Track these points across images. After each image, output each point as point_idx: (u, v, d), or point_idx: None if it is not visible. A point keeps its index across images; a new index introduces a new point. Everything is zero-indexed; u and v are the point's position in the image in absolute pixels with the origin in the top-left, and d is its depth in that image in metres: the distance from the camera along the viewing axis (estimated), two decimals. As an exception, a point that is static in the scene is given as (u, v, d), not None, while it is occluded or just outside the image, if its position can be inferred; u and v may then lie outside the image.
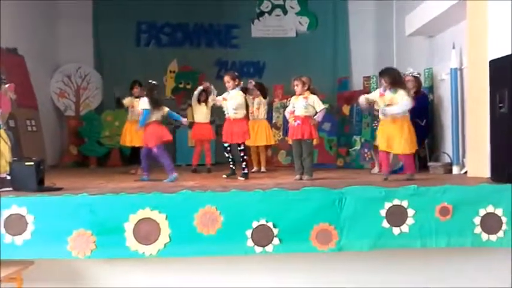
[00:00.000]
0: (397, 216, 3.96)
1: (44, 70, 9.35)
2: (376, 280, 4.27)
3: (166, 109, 5.86)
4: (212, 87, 6.89)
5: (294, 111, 5.74)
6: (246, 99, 6.26)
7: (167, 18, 10.35)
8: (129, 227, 3.80)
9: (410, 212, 3.97)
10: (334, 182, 4.88)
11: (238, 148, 5.84)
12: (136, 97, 6.94)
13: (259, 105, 7.37)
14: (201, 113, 7.43)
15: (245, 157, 5.83)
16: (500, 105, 4.39)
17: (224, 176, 5.87)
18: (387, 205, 3.96)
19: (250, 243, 3.85)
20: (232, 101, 5.87)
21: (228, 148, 5.93)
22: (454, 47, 6.21)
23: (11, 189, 4.43)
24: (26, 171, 4.40)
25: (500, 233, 3.98)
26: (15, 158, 4.89)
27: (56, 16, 9.69)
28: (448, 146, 6.51)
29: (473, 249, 4.11)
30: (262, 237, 3.85)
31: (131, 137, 7.02)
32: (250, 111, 7.13)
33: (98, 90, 9.83)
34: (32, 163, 4.43)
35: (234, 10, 10.26)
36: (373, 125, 7.46)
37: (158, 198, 3.91)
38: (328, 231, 3.89)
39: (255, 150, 7.57)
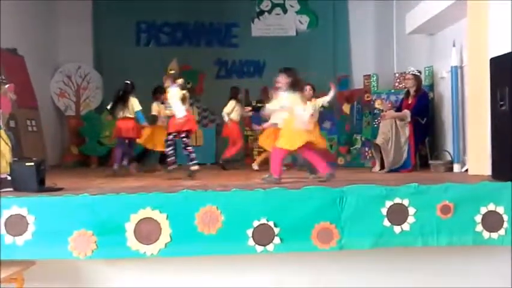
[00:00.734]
0: (398, 214, 3.95)
1: (44, 70, 9.36)
2: (378, 279, 4.27)
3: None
4: None
5: None
6: None
7: (167, 17, 10.36)
8: (130, 226, 3.79)
9: (411, 210, 3.95)
10: (335, 181, 4.87)
11: None
12: (162, 103, 7.04)
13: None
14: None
15: None
16: (501, 102, 4.38)
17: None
18: (388, 203, 3.95)
19: (251, 242, 3.84)
20: None
21: None
22: (454, 45, 6.20)
23: (11, 189, 4.43)
24: (26, 172, 4.39)
25: (502, 231, 3.96)
26: (15, 159, 4.89)
27: (56, 16, 9.70)
28: (448, 144, 6.50)
29: (474, 247, 4.10)
30: (263, 236, 3.84)
31: (155, 140, 7.14)
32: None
33: (98, 90, 9.85)
34: (33, 163, 4.42)
35: (233, 9, 10.27)
36: (374, 123, 7.47)
37: (159, 198, 3.90)
38: (329, 230, 3.89)
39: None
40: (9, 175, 4.57)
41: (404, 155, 6.38)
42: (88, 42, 10.12)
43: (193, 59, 10.16)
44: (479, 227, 3.97)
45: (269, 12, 10.70)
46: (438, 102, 7.04)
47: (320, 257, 4.15)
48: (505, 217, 3.98)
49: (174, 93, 5.96)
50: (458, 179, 4.83)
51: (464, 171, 5.89)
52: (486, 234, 3.97)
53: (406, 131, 6.43)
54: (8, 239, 3.76)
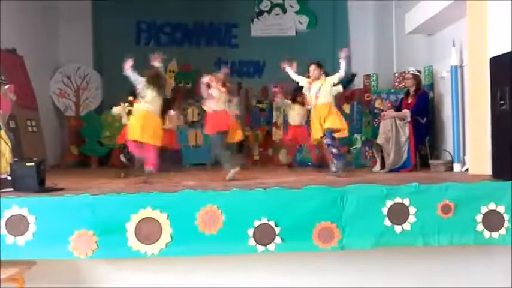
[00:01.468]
0: (399, 214, 3.95)
1: (43, 70, 9.36)
2: (378, 278, 4.27)
3: None
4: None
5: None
6: None
7: (167, 17, 10.36)
8: (130, 226, 3.79)
9: (412, 210, 3.96)
10: (336, 180, 4.87)
11: None
12: None
13: None
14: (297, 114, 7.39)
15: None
16: (501, 102, 4.38)
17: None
18: (389, 203, 3.95)
19: (252, 242, 3.84)
20: None
21: None
22: (454, 45, 6.20)
23: (12, 189, 4.43)
24: (27, 172, 4.39)
25: (503, 230, 3.97)
26: (16, 159, 4.89)
27: (56, 16, 9.70)
28: (449, 144, 6.50)
29: (475, 247, 4.11)
30: (264, 236, 3.84)
31: None
32: None
33: (98, 91, 9.84)
34: (33, 164, 4.42)
35: (233, 9, 10.28)
36: (374, 123, 7.47)
37: (159, 198, 3.90)
38: (330, 229, 3.89)
39: None
40: (9, 175, 4.58)
41: (405, 155, 6.38)
42: (88, 42, 10.12)
43: (193, 59, 10.16)
44: (480, 227, 3.98)
45: (268, 12, 10.71)
46: (438, 102, 7.04)
47: (321, 257, 4.15)
48: (506, 216, 3.98)
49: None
50: (458, 178, 4.83)
51: (464, 170, 5.89)
52: (487, 234, 3.97)
53: (406, 131, 6.42)
54: (9, 239, 3.76)
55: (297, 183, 4.54)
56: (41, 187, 4.34)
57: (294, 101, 7.30)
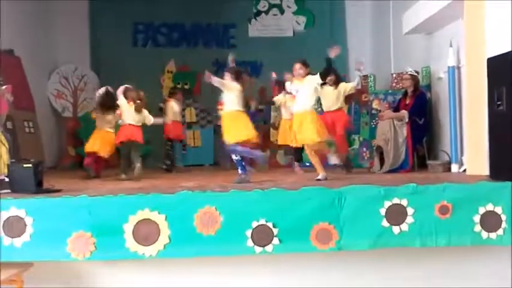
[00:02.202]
0: (396, 215, 3.95)
1: (41, 71, 9.34)
2: (376, 279, 4.27)
3: None
4: None
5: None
6: None
7: (164, 18, 10.35)
8: (128, 228, 3.78)
9: (410, 210, 3.96)
10: (334, 181, 4.88)
11: None
12: None
13: None
14: None
15: None
16: (499, 102, 4.38)
17: None
18: (387, 204, 3.96)
19: (250, 243, 3.84)
20: None
21: None
22: (451, 45, 6.21)
23: (9, 191, 4.41)
24: (24, 173, 4.38)
25: (500, 231, 3.97)
26: (13, 160, 4.88)
27: (53, 17, 9.67)
28: (446, 144, 6.51)
29: (473, 247, 4.11)
30: (262, 237, 3.84)
31: None
32: None
33: (96, 91, 9.81)
34: (31, 165, 4.42)
35: (231, 10, 10.28)
36: (372, 123, 7.47)
37: (157, 199, 3.90)
38: (328, 230, 3.89)
39: None
40: (6, 176, 4.56)
41: (402, 156, 6.39)
42: (85, 43, 10.11)
43: (190, 59, 10.15)
44: (477, 227, 3.98)
45: (266, 12, 10.71)
46: (436, 103, 7.05)
47: (319, 258, 4.16)
48: (504, 217, 3.99)
49: None
50: (456, 179, 4.84)
51: (462, 171, 5.89)
52: (485, 234, 3.98)
53: (404, 132, 6.44)
54: (7, 240, 3.75)
55: (295, 184, 4.54)
56: (39, 188, 4.34)
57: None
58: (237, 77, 5.43)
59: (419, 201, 3.98)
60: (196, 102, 9.98)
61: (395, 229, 3.94)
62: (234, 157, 5.30)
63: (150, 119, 6.70)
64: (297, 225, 3.87)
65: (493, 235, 3.98)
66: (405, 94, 6.88)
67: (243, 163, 5.32)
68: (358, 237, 3.92)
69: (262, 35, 10.58)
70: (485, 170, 4.76)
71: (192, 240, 3.82)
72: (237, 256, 3.98)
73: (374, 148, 6.68)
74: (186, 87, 9.84)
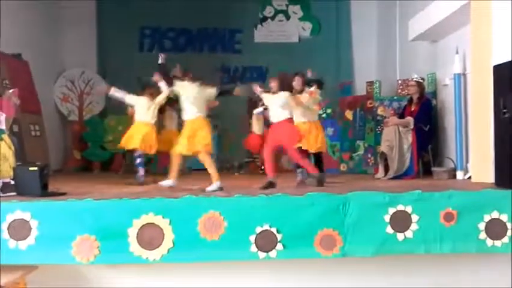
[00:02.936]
0: (401, 221, 3.95)
1: (47, 75, 9.38)
2: (380, 286, 4.26)
3: None
4: None
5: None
6: None
7: (170, 23, 10.39)
8: (132, 232, 3.79)
9: (415, 217, 3.95)
10: (338, 187, 4.87)
11: None
12: None
13: None
14: None
15: None
16: (504, 110, 4.38)
17: None
18: (391, 210, 3.95)
19: (253, 248, 3.84)
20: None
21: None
22: (457, 52, 6.21)
23: (15, 194, 4.44)
24: (30, 176, 4.40)
25: (505, 239, 3.96)
26: (19, 163, 4.90)
27: (60, 21, 9.73)
28: (451, 151, 6.49)
29: (477, 255, 4.09)
30: (265, 242, 3.84)
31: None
32: None
33: (102, 95, 9.85)
34: (36, 168, 4.43)
35: (237, 15, 10.30)
36: (377, 130, 7.46)
37: (162, 203, 3.91)
38: (332, 236, 3.88)
39: None
40: (12, 179, 4.59)
41: (407, 162, 6.37)
42: (92, 47, 10.15)
43: (196, 64, 10.16)
44: (482, 235, 3.97)
45: (272, 18, 10.73)
46: (441, 109, 7.03)
47: (322, 264, 4.15)
48: (509, 225, 3.98)
49: None
50: (461, 186, 4.83)
51: (467, 178, 5.87)
52: (489, 242, 3.97)
53: (409, 138, 6.42)
54: (11, 243, 3.77)
55: (299, 190, 4.54)
56: (44, 191, 4.35)
57: None
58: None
59: (424, 208, 3.97)
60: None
61: (400, 236, 3.94)
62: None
63: None
64: (301, 231, 3.87)
65: (498, 243, 3.97)
66: (410, 101, 6.87)
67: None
68: (362, 244, 3.91)
69: (268, 40, 10.61)
70: (491, 178, 4.75)
71: (195, 245, 3.83)
72: (240, 261, 3.97)
73: (378, 154, 6.67)
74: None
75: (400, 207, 3.95)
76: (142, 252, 3.79)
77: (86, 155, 9.43)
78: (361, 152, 7.71)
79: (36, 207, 3.85)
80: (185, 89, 5.33)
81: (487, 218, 3.98)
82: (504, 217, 3.97)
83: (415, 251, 3.97)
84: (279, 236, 3.85)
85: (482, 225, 3.98)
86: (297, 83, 5.79)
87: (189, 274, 4.20)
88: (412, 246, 3.96)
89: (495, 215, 3.98)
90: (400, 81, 7.89)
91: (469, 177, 5.71)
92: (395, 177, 6.25)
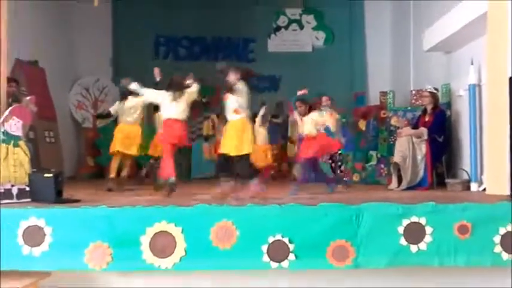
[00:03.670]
0: (415, 233, 3.90)
1: (63, 82, 9.51)
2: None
3: None
4: None
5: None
6: None
7: (185, 32, 10.48)
8: (145, 240, 3.80)
9: (428, 229, 3.91)
10: (351, 198, 4.85)
11: None
12: None
13: None
14: None
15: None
16: (521, 122, 4.34)
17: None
18: (405, 222, 3.91)
19: (265, 258, 3.83)
20: None
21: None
22: (472, 63, 6.17)
23: (29, 200, 4.48)
24: (44, 183, 4.45)
25: (521, 253, 3.90)
26: (34, 169, 4.95)
27: (76, 29, 9.87)
28: (465, 163, 6.43)
29: (492, 268, 4.03)
30: (278, 252, 3.83)
31: None
32: None
33: (116, 103, 9.93)
34: (51, 175, 4.48)
35: (251, 25, 10.37)
36: (390, 140, 7.43)
37: (175, 212, 3.92)
38: (345, 247, 3.85)
39: None
40: (27, 186, 4.63)
41: (421, 173, 6.32)
42: (107, 55, 10.27)
43: (210, 73, 10.22)
44: (498, 248, 3.91)
45: (286, 28, 10.79)
46: (455, 120, 6.98)
47: (335, 274, 4.11)
48: (525, 238, 3.91)
49: None
50: (476, 198, 4.78)
51: (481, 190, 5.81)
52: (505, 256, 3.90)
53: (422, 149, 6.38)
54: (25, 249, 3.79)
55: (312, 200, 4.52)
56: (58, 198, 4.39)
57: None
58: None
59: (438, 220, 3.93)
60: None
61: (413, 248, 3.90)
62: None
63: None
64: (314, 241, 3.85)
65: (513, 256, 3.90)
66: (424, 111, 6.83)
67: None
68: (375, 255, 3.88)
69: (281, 49, 10.66)
70: (506, 190, 4.70)
71: (208, 253, 3.83)
72: (252, 271, 3.96)
73: (391, 165, 6.63)
74: (204, 100, 9.90)
75: (414, 219, 3.92)
76: (154, 260, 3.80)
77: (99, 162, 9.50)
78: (374, 162, 7.68)
79: (50, 213, 3.88)
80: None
81: (502, 231, 3.92)
82: (520, 230, 3.91)
83: (429, 263, 3.92)
84: (291, 246, 3.83)
85: (497, 239, 3.92)
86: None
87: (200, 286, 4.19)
88: (426, 258, 3.91)
89: (510, 228, 3.92)
90: (414, 92, 7.85)
91: (484, 189, 5.64)
92: (408, 188, 6.20)
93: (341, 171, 6.29)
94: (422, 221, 3.92)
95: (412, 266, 3.96)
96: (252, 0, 10.28)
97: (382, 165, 7.49)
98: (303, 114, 6.14)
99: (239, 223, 3.86)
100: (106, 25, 10.28)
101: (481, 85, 6.11)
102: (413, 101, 7.78)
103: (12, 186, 4.60)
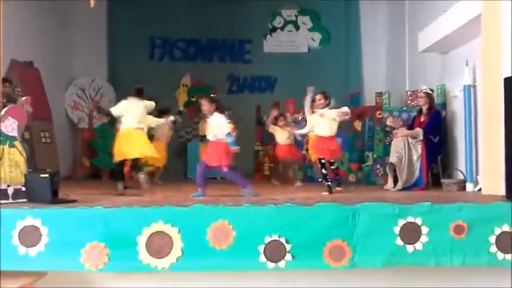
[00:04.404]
0: (411, 233, 3.92)
1: (58, 83, 9.49)
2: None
3: None
4: None
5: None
6: None
7: (181, 33, 10.49)
8: (142, 240, 3.80)
9: (425, 229, 3.93)
10: (347, 198, 4.86)
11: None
12: None
13: None
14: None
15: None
16: (515, 122, 4.36)
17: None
18: (401, 222, 3.93)
19: (262, 258, 3.83)
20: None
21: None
22: (467, 64, 6.20)
23: (25, 200, 4.47)
24: (40, 183, 4.44)
25: (517, 253, 3.92)
26: (30, 170, 4.94)
27: (72, 30, 9.86)
28: (461, 163, 6.46)
29: (487, 268, 4.05)
30: (274, 252, 3.83)
31: None
32: None
33: (112, 104, 9.91)
34: (47, 175, 4.47)
35: (246, 26, 10.38)
36: (386, 141, 7.45)
37: (171, 212, 3.92)
38: (341, 247, 3.86)
39: None
40: (23, 186, 4.62)
41: (417, 173, 6.34)
42: (102, 55, 10.26)
43: (205, 74, 10.26)
44: (493, 248, 3.93)
45: (281, 29, 10.81)
46: (451, 121, 7.01)
47: (331, 274, 4.12)
48: (520, 238, 3.93)
49: None
50: (471, 198, 4.80)
51: (477, 190, 5.84)
52: (500, 256, 3.92)
53: (418, 149, 6.40)
54: (21, 249, 3.78)
55: (308, 200, 4.53)
56: (54, 198, 4.38)
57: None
58: None
59: (434, 220, 3.94)
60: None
61: (410, 248, 3.91)
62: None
63: None
64: (310, 241, 3.86)
65: (509, 256, 3.92)
66: (420, 112, 6.87)
67: None
68: (372, 255, 3.89)
69: (277, 50, 10.68)
70: (501, 190, 4.72)
71: (204, 254, 3.83)
72: (248, 271, 3.96)
73: (387, 165, 6.65)
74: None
75: (410, 219, 3.93)
76: (151, 261, 3.80)
77: (95, 163, 9.48)
78: (369, 163, 7.70)
79: (46, 214, 3.87)
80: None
81: (497, 231, 3.94)
82: (515, 230, 3.94)
83: (425, 263, 3.94)
84: (288, 246, 3.83)
85: (493, 239, 3.94)
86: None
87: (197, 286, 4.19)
88: (422, 258, 3.93)
89: (506, 228, 3.94)
90: (409, 92, 7.89)
91: (479, 189, 5.67)
92: (404, 189, 6.22)
93: (336, 173, 6.24)
94: (418, 221, 3.94)
95: (408, 266, 3.97)
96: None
97: (378, 166, 7.52)
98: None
99: (236, 223, 3.86)
100: (101, 26, 10.27)
101: (476, 86, 6.14)
102: (408, 101, 7.81)
103: (8, 186, 4.59)
